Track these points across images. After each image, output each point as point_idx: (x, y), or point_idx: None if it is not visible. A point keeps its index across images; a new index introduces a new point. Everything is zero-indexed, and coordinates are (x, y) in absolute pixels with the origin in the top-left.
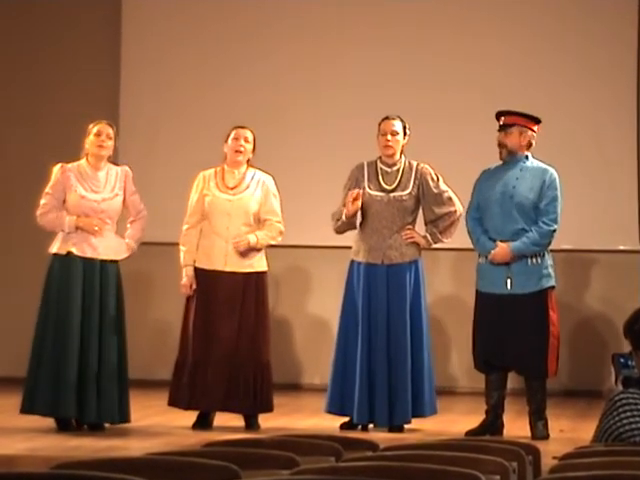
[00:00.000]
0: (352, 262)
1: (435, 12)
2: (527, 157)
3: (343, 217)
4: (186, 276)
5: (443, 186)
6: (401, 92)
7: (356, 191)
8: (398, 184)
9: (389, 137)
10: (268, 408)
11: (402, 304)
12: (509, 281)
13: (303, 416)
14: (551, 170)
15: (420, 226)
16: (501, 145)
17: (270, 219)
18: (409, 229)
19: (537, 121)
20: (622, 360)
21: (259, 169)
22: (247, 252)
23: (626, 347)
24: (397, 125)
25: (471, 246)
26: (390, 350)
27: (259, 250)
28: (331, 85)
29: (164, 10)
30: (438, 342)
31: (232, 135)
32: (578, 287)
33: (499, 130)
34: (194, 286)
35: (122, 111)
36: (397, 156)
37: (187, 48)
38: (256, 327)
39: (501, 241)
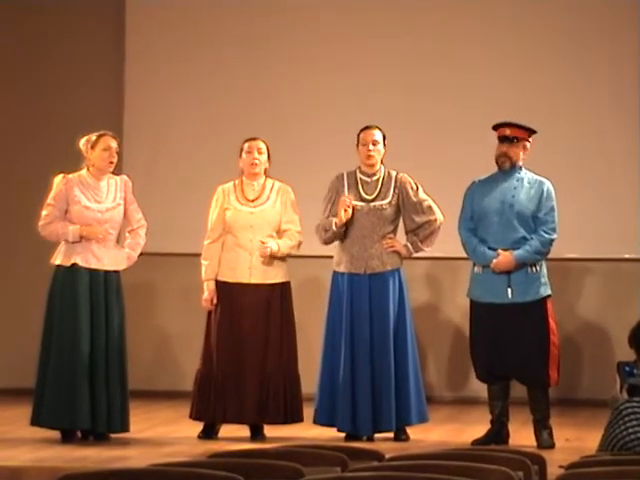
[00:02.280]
0: (335, 273)
1: (432, 22)
2: (521, 168)
3: (334, 227)
4: (207, 290)
5: (423, 195)
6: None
7: (348, 198)
8: (378, 193)
9: (371, 147)
10: (298, 418)
11: (385, 313)
12: (510, 290)
13: (308, 426)
14: (547, 182)
15: (401, 236)
16: (505, 156)
17: (290, 229)
18: (390, 238)
19: (534, 132)
20: (627, 369)
21: (278, 180)
22: (270, 261)
23: (630, 356)
24: (377, 135)
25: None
26: (374, 359)
27: (281, 259)
28: (330, 94)
29: (168, 20)
30: (441, 350)
31: (245, 148)
32: (582, 295)
33: (502, 141)
34: (215, 300)
35: (126, 121)
36: (377, 166)
37: (191, 59)
38: (283, 338)
39: (502, 249)
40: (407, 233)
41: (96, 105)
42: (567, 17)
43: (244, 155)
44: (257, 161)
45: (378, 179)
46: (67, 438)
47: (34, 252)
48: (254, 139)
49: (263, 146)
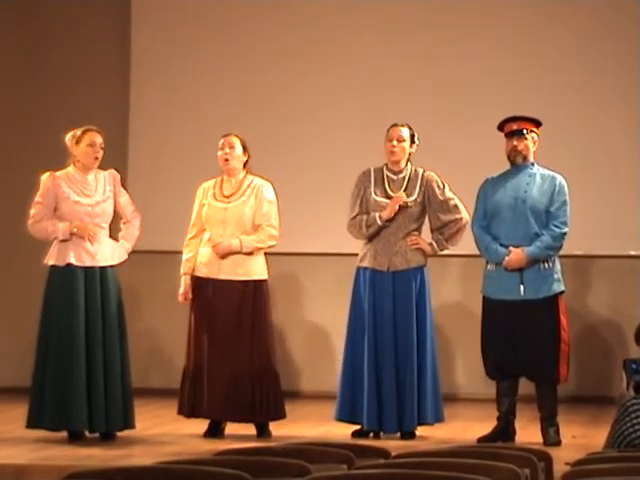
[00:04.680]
0: (358, 269)
1: (438, 20)
2: (533, 163)
3: (378, 221)
4: (183, 285)
5: (449, 193)
6: (401, 100)
7: (404, 195)
8: (404, 191)
9: (395, 143)
10: (278, 416)
11: (407, 311)
12: (522, 287)
13: (313, 424)
14: (559, 177)
15: (426, 234)
16: (516, 151)
17: (261, 223)
18: (414, 235)
19: (540, 124)
20: (634, 366)
21: (258, 176)
22: (240, 257)
23: (635, 353)
24: (404, 132)
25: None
26: (397, 357)
27: (250, 255)
28: (333, 93)
29: (173, 19)
30: (447, 348)
31: (219, 145)
32: (587, 293)
33: (511, 136)
34: (189, 295)
35: (132, 119)
36: (403, 163)
37: (196, 58)
38: (254, 336)
39: (513, 246)
40: (432, 231)
41: (102, 104)
42: (573, 17)
43: (219, 152)
44: (228, 156)
45: (404, 177)
46: (73, 437)
47: (34, 251)
48: (227, 135)
49: (235, 141)
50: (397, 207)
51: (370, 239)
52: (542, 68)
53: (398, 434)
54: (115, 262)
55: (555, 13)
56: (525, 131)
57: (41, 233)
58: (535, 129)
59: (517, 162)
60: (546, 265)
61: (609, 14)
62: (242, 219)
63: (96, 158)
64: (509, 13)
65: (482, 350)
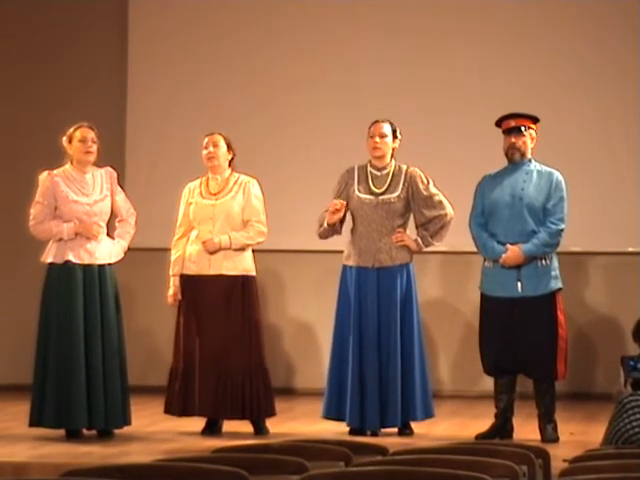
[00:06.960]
0: (344, 267)
1: (435, 19)
2: (530, 160)
3: (325, 224)
4: (173, 286)
5: (433, 189)
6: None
7: (339, 202)
8: (387, 187)
9: (377, 139)
10: (268, 413)
11: (392, 308)
12: (519, 284)
13: (311, 421)
14: (557, 173)
15: (412, 230)
16: (514, 148)
17: (250, 219)
18: (399, 232)
19: (538, 120)
20: (631, 363)
21: (244, 173)
22: (228, 253)
23: (633, 350)
24: (386, 128)
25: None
26: (381, 353)
27: (239, 251)
28: (327, 96)
29: (171, 22)
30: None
31: (203, 144)
32: (585, 289)
33: (509, 133)
34: (179, 296)
35: (129, 121)
36: (387, 159)
37: (194, 60)
38: (244, 332)
39: (510, 244)
40: (417, 227)
41: (99, 105)
42: (572, 18)
43: (203, 151)
44: (213, 155)
45: (388, 173)
46: (71, 435)
47: (32, 248)
48: (211, 134)
49: (220, 139)
50: (341, 214)
51: (352, 236)
52: (541, 69)
53: (396, 430)
54: (113, 260)
55: (554, 14)
56: (523, 128)
57: (44, 234)
58: (533, 125)
59: (515, 159)
60: (544, 262)
61: (608, 15)
62: (231, 214)
63: (89, 152)
64: (508, 14)
65: (480, 347)
